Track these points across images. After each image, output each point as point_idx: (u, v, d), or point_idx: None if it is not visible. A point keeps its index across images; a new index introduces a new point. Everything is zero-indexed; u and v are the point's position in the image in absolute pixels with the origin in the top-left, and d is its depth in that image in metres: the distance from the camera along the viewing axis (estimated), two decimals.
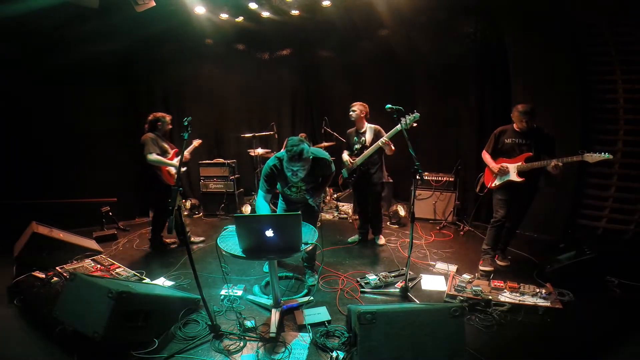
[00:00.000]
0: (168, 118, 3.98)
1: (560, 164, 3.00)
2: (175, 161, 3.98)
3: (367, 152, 3.80)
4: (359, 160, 3.88)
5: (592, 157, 2.89)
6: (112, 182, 5.13)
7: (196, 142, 4.36)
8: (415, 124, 3.36)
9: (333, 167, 2.94)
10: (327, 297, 3.04)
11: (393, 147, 3.66)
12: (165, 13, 4.89)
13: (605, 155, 2.85)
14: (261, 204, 2.78)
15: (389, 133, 3.65)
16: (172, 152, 4.04)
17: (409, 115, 3.30)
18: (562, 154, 3.06)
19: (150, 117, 3.93)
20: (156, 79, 5.77)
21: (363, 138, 3.90)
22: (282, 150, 2.77)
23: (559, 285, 2.96)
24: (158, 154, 3.83)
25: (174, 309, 2.63)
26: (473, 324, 2.57)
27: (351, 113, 3.89)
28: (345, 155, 4.04)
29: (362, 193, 4.18)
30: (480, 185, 3.74)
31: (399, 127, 3.34)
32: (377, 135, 3.81)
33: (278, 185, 2.96)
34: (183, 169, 4.22)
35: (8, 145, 4.22)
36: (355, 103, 3.91)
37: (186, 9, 4.97)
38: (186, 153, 4.28)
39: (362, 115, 3.86)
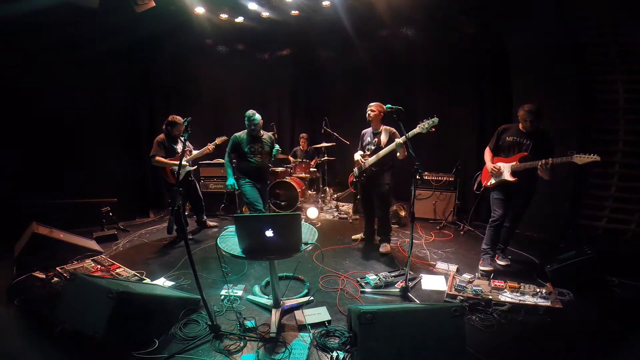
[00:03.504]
0: (180, 126, 4.21)
1: (550, 162, 2.98)
2: (184, 162, 4.22)
3: (381, 153, 3.72)
4: (371, 160, 3.82)
5: (581, 159, 2.88)
6: (112, 182, 5.14)
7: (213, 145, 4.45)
8: (433, 129, 3.34)
9: (276, 146, 4.20)
10: (327, 297, 3.04)
11: (408, 151, 3.35)
12: (165, 13, 4.90)
13: (593, 157, 2.83)
14: (226, 159, 4.18)
15: (408, 133, 3.26)
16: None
17: (428, 119, 3.32)
18: (561, 154, 3.05)
19: (168, 119, 4.22)
20: (156, 79, 5.78)
21: (377, 139, 3.83)
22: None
23: (559, 285, 2.96)
24: (162, 156, 4.11)
25: (174, 309, 2.63)
26: (473, 324, 2.56)
27: (368, 113, 3.81)
28: (358, 155, 4.00)
29: (368, 195, 4.07)
30: (477, 183, 3.74)
31: (417, 129, 3.35)
32: (391, 138, 3.74)
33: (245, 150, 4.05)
34: (193, 168, 4.51)
35: (8, 145, 4.22)
36: (372, 103, 3.82)
37: (186, 9, 4.98)
38: (195, 152, 4.45)
39: (379, 116, 3.79)
